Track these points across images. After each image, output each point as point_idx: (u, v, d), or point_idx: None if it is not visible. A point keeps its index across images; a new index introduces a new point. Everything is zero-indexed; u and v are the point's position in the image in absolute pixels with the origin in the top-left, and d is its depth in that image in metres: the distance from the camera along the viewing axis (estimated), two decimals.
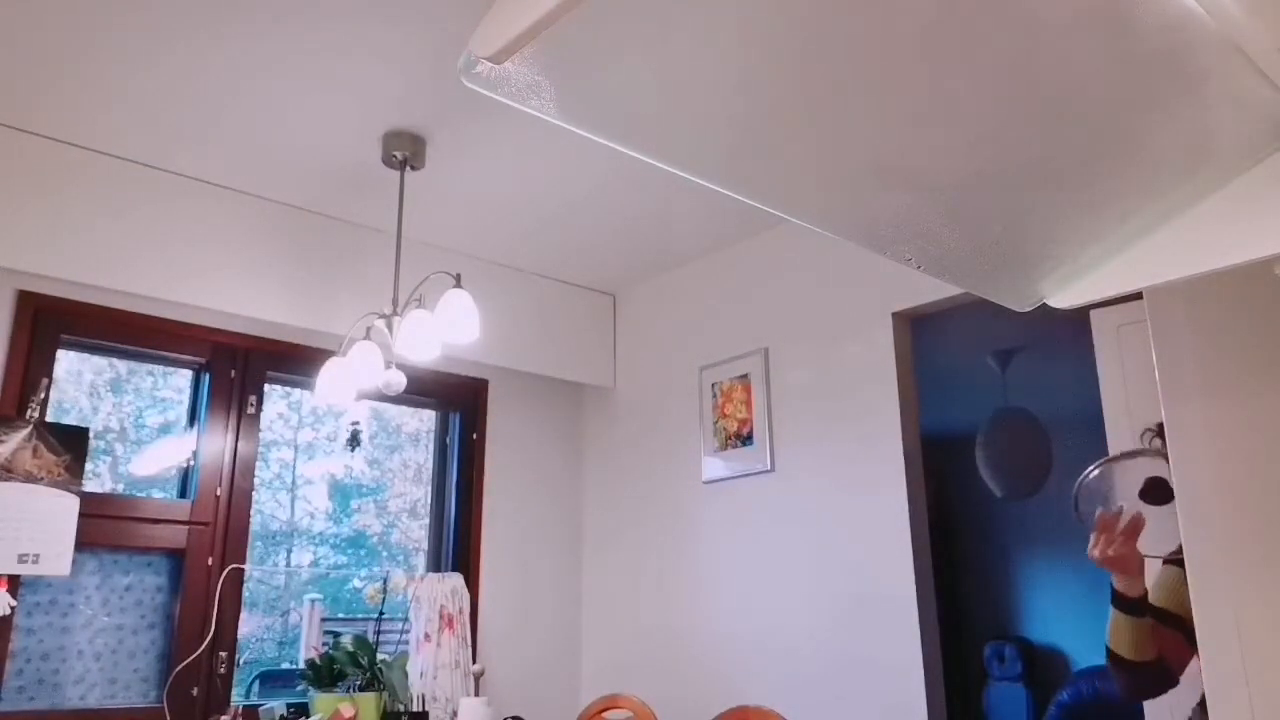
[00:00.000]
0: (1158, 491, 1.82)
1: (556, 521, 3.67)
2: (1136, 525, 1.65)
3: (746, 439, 3.13)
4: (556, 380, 3.71)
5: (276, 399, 3.40)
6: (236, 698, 2.87)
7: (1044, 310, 1.13)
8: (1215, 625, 1.40)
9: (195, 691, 2.72)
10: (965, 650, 5.18)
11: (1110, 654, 1.71)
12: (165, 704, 2.65)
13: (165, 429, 3.07)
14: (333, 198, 2.96)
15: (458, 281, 2.50)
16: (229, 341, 3.00)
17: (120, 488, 2.95)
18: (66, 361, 2.80)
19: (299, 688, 2.93)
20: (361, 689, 2.70)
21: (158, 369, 3.08)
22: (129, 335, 2.83)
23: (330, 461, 3.85)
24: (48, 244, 2.60)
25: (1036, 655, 4.83)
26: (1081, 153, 0.87)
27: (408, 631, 3.06)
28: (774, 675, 2.87)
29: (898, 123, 0.82)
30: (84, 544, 2.58)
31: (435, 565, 3.42)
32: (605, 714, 2.80)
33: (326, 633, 3.51)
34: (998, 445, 4.25)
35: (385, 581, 3.18)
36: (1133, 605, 1.68)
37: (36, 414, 2.56)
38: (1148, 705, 2.25)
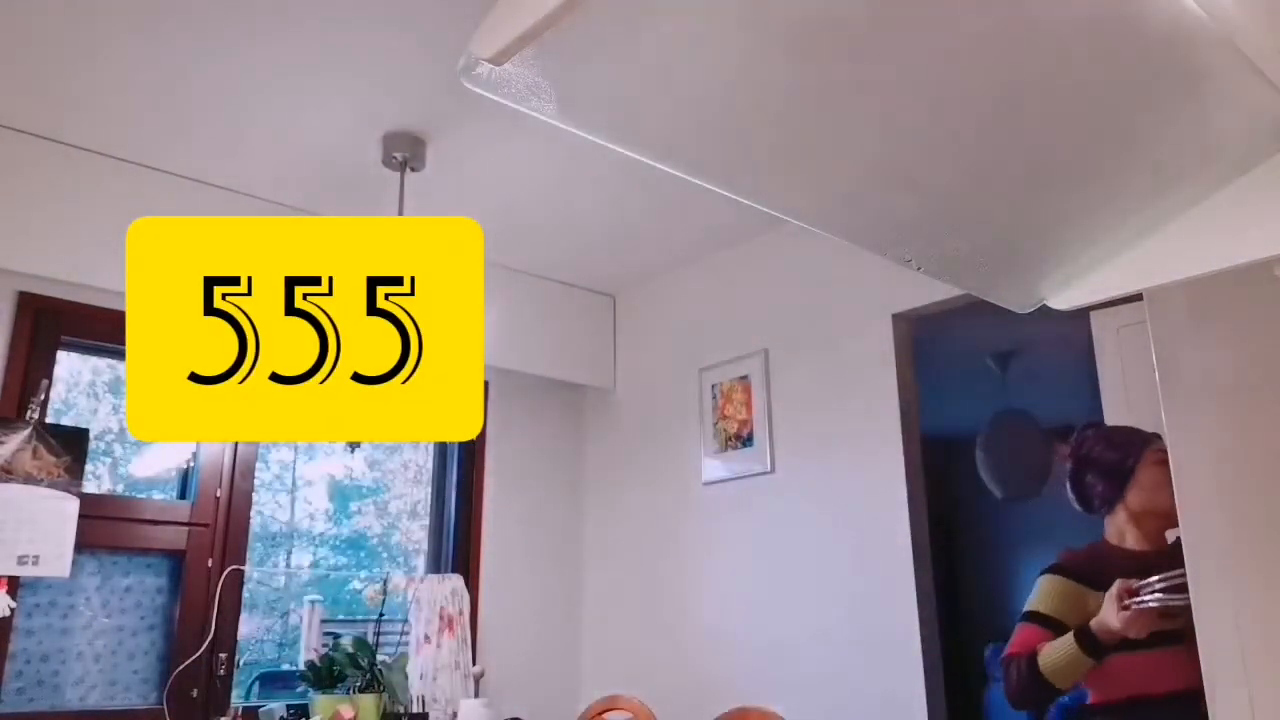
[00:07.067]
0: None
1: (556, 522, 3.67)
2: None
3: (747, 440, 3.12)
4: (557, 381, 3.70)
5: None
6: (236, 699, 2.86)
7: (1044, 311, 1.13)
8: (1215, 625, 1.40)
9: (195, 693, 2.71)
10: (965, 651, 5.19)
11: (1041, 676, 1.71)
12: (165, 705, 2.64)
13: None
14: (333, 198, 2.96)
15: None
16: None
17: (120, 489, 2.95)
18: (66, 363, 2.80)
19: (299, 689, 2.93)
20: (361, 690, 2.70)
21: None
22: None
23: (330, 463, 3.85)
24: (48, 244, 2.60)
25: None
26: (1082, 154, 0.87)
27: (407, 633, 3.06)
28: (774, 676, 2.87)
29: (898, 125, 0.82)
30: (84, 545, 2.57)
31: (435, 566, 3.41)
32: (605, 715, 2.80)
33: (326, 634, 3.51)
34: (998, 446, 4.25)
35: (385, 583, 3.17)
36: (1101, 648, 1.68)
37: (36, 415, 2.56)
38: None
